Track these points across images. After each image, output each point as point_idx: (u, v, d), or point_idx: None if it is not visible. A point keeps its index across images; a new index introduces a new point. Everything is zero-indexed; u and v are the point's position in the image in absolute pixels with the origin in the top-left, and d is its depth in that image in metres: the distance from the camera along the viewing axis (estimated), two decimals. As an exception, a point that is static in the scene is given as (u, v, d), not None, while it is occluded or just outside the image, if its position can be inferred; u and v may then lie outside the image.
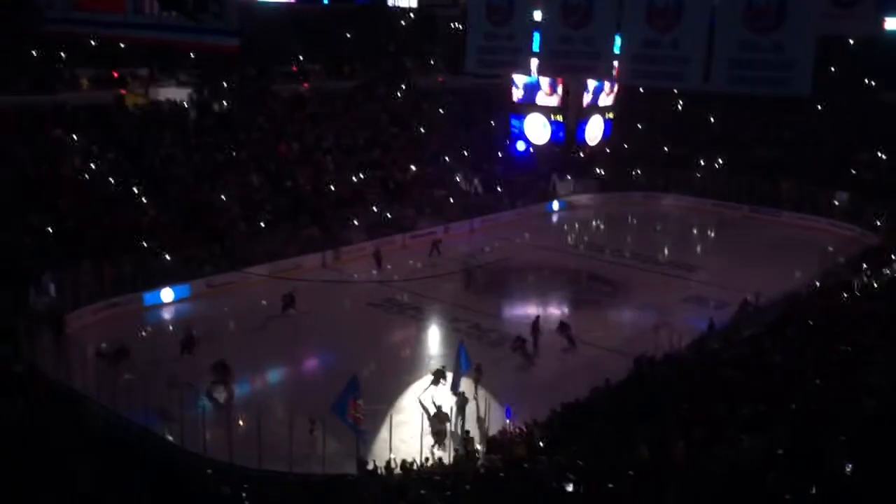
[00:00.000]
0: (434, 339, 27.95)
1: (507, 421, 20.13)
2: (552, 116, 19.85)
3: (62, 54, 38.50)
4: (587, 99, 19.45)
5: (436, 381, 22.93)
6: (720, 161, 48.28)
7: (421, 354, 26.55)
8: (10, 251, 27.41)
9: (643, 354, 22.22)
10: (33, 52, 37.51)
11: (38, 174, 32.37)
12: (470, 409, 21.53)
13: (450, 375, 23.01)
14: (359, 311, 29.69)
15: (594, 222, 45.01)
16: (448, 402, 21.40)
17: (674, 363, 22.06)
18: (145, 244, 30.75)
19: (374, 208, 38.97)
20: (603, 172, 48.23)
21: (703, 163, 48.59)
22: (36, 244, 28.72)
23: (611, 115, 20.34)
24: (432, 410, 21.15)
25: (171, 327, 28.23)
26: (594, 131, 20.31)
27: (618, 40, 12.40)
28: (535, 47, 13.42)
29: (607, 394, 20.08)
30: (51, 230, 29.79)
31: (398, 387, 23.22)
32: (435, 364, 24.08)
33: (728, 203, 45.45)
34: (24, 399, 19.00)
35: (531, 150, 20.25)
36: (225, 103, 41.65)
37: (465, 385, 22.59)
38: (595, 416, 18.59)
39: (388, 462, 17.95)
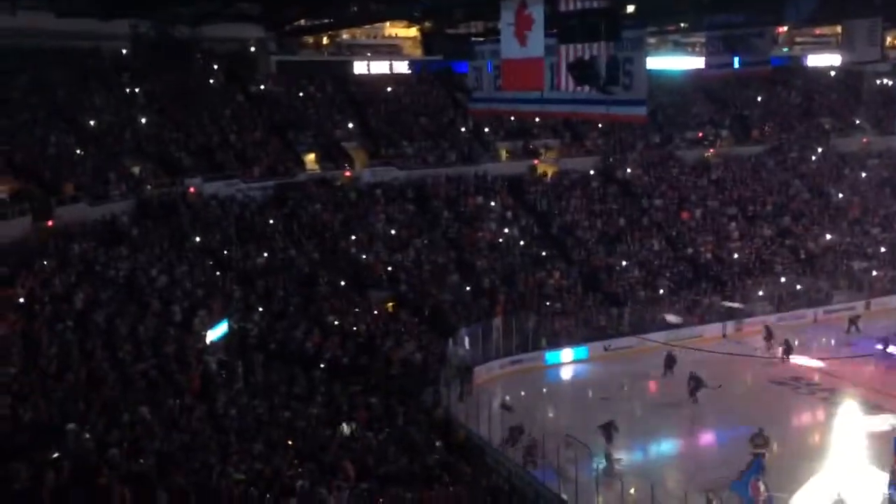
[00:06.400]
0: (849, 427, 25.03)
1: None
2: None
3: (485, 129, 42.58)
4: None
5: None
6: None
7: (834, 443, 23.97)
8: (436, 307, 30.79)
9: None
10: (462, 129, 42.07)
11: (459, 237, 36.07)
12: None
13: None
14: (761, 389, 27.84)
15: None
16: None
17: None
18: (548, 304, 32.41)
19: (783, 279, 36.60)
20: None
21: None
22: (456, 301, 31.86)
23: None
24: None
25: (568, 386, 29.16)
26: None
27: None
28: None
29: None
30: (469, 288, 32.85)
31: (802, 475, 21.14)
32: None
33: None
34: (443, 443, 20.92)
35: None
36: (629, 170, 42.50)
37: None
38: None
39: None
